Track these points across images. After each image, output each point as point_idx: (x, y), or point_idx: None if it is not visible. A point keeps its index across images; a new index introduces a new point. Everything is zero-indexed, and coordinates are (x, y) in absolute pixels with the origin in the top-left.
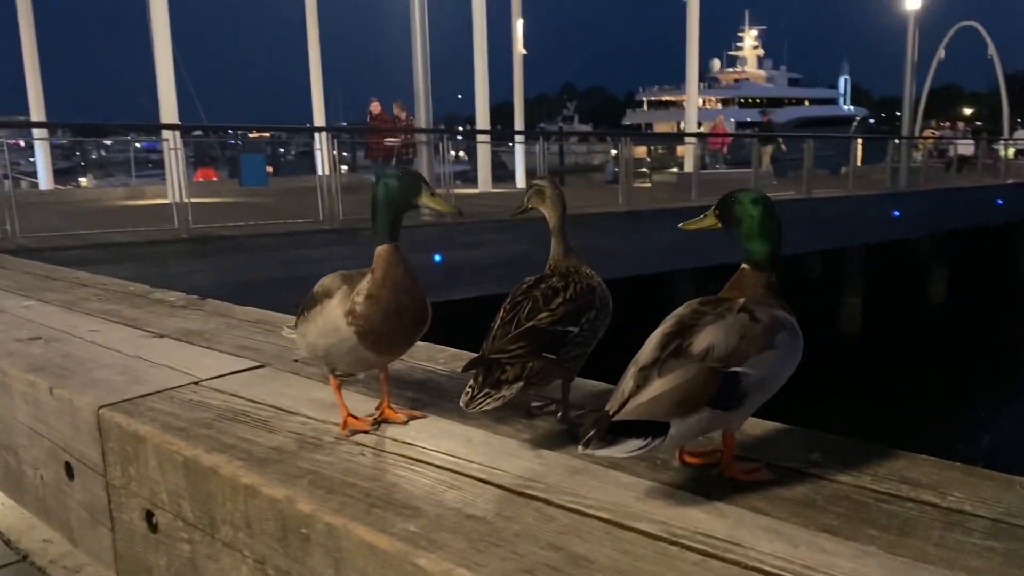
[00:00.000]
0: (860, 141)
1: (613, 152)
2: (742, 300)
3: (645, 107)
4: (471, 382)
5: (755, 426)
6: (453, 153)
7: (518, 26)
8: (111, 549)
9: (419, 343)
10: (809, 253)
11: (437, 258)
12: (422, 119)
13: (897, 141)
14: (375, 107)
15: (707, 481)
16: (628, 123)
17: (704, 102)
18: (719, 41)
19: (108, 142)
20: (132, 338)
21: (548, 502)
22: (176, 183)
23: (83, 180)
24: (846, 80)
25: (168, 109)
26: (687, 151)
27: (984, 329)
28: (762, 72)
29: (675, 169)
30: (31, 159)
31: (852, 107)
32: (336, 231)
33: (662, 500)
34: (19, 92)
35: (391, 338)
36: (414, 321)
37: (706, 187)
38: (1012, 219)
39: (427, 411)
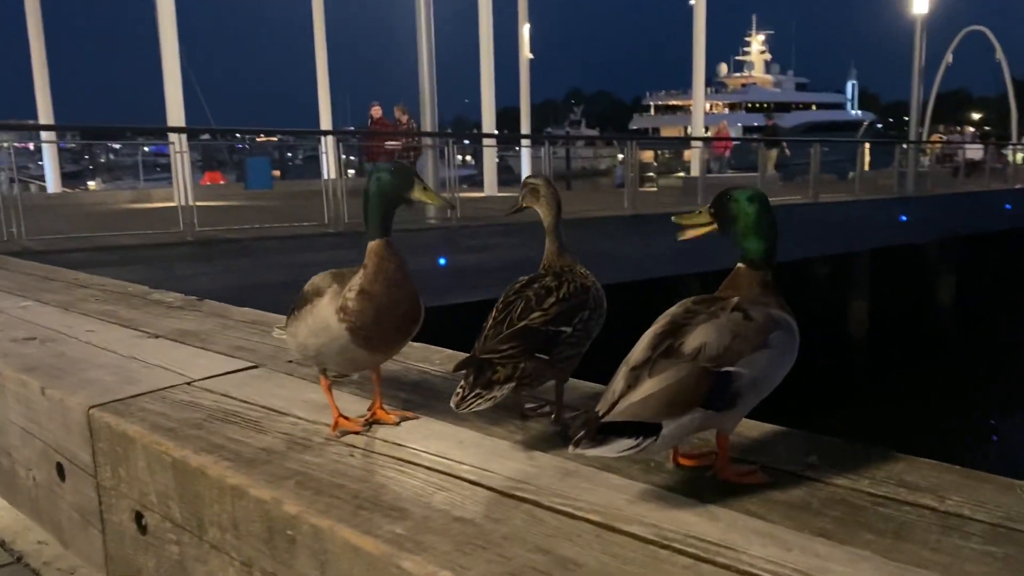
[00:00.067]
0: (868, 146)
1: (620, 157)
2: (736, 299)
3: (652, 111)
4: (462, 382)
5: (752, 428)
6: (460, 157)
7: (525, 31)
8: (102, 551)
9: (415, 344)
10: (816, 258)
11: (442, 261)
12: (428, 123)
13: (904, 146)
14: (376, 111)
15: (701, 484)
16: (635, 127)
17: (711, 107)
18: (726, 46)
19: (116, 146)
20: (127, 338)
21: (538, 504)
22: (182, 186)
23: (91, 183)
24: (854, 85)
25: (175, 112)
26: (693, 155)
27: (991, 334)
28: (769, 77)
29: (682, 173)
30: (40, 162)
31: (859, 112)
32: (341, 234)
33: (654, 502)
34: (27, 96)
35: (384, 335)
36: (407, 318)
37: (712, 191)
38: (1020, 224)
39: (420, 412)
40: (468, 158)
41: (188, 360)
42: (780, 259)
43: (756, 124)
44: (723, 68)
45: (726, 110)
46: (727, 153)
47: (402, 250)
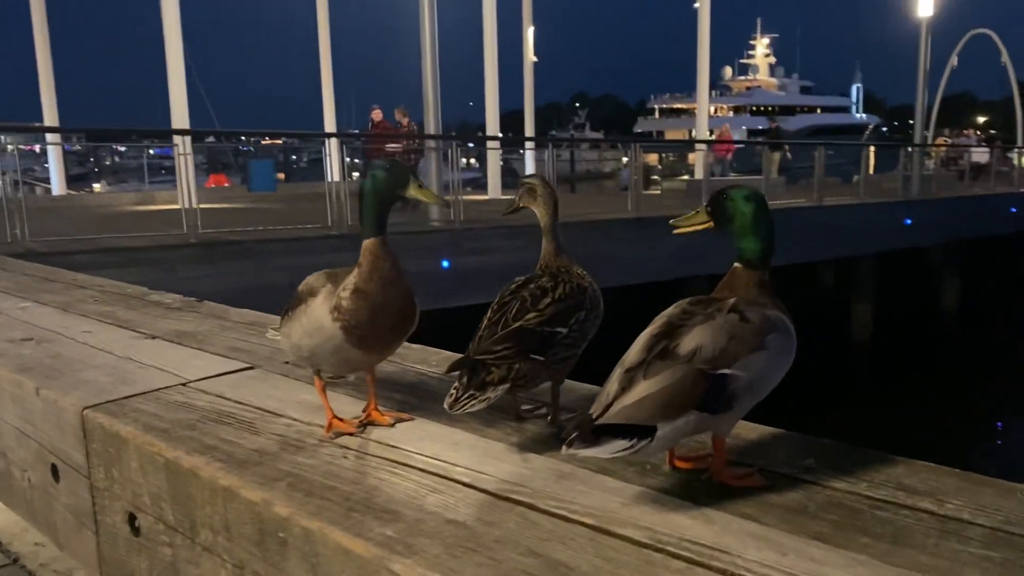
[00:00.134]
0: (872, 149)
1: (624, 160)
2: (733, 300)
3: (657, 115)
4: (456, 383)
5: (750, 430)
6: (464, 160)
7: (529, 34)
8: (96, 553)
9: (413, 345)
10: (820, 261)
11: (445, 264)
12: (431, 126)
13: (909, 149)
14: (376, 114)
15: (696, 486)
16: (640, 131)
17: (716, 110)
18: (731, 49)
19: (122, 148)
20: (124, 339)
21: (532, 507)
22: (186, 188)
23: (96, 186)
24: (858, 88)
25: (179, 115)
26: (698, 159)
27: (997, 337)
28: (774, 80)
29: (686, 176)
30: (46, 165)
31: (864, 115)
32: (345, 236)
33: (649, 506)
34: (33, 98)
35: (378, 335)
36: (402, 317)
37: None
38: None
39: (415, 414)
40: (472, 161)
41: (184, 361)
42: (785, 262)
43: (760, 127)
44: (728, 71)
45: (731, 113)
46: (729, 156)
47: (405, 252)
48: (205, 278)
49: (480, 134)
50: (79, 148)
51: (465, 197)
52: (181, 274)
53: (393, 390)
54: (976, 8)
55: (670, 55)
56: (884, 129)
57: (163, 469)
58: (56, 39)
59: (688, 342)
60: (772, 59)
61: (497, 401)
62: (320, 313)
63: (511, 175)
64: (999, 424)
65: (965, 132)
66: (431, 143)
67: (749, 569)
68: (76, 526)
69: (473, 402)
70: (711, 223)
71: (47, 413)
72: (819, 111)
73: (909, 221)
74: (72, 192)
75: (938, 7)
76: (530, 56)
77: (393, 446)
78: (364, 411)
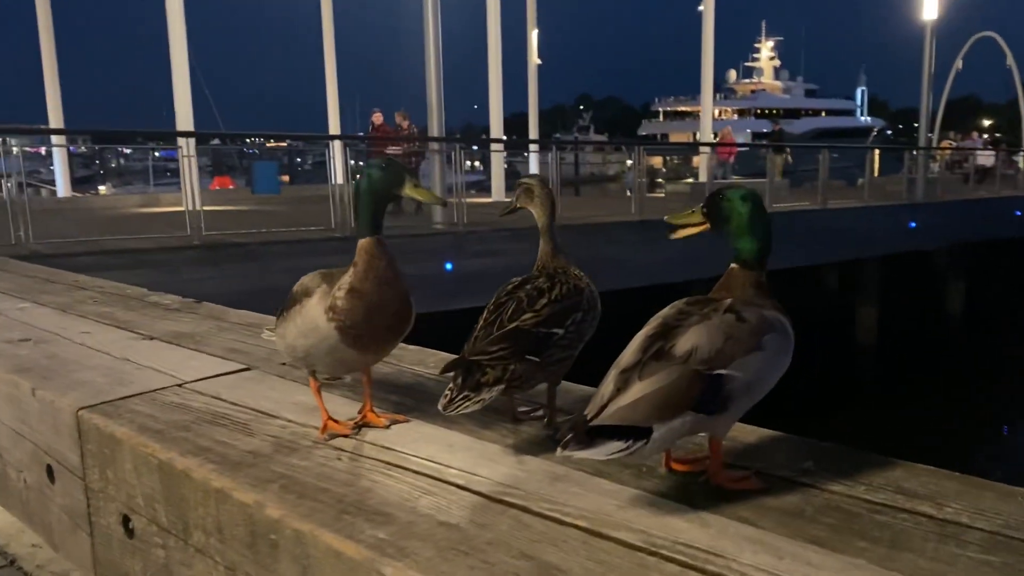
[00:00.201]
0: (877, 152)
1: (629, 163)
2: (729, 300)
3: (661, 117)
4: (450, 384)
5: (748, 433)
6: (468, 163)
7: (533, 36)
8: (90, 555)
9: (410, 347)
10: (824, 264)
11: (448, 266)
12: (435, 128)
13: (914, 152)
14: (377, 118)
15: (693, 489)
16: (644, 133)
17: (720, 113)
18: (736, 52)
19: (127, 151)
20: (122, 340)
21: (526, 509)
22: (190, 190)
23: (102, 188)
24: (863, 91)
25: (184, 117)
26: (702, 161)
27: (1002, 341)
28: (779, 83)
29: (690, 179)
30: (51, 167)
31: (869, 118)
32: (348, 239)
33: (644, 508)
34: (38, 101)
35: (374, 335)
36: (398, 317)
37: None
38: None
39: (411, 415)
40: (476, 164)
41: (181, 362)
42: (789, 265)
43: (765, 131)
44: (732, 74)
45: (735, 116)
46: (731, 159)
47: (409, 255)
48: (208, 280)
49: (484, 137)
50: (84, 150)
51: (469, 200)
52: (184, 276)
53: (389, 391)
54: (981, 11)
55: (675, 58)
56: (889, 132)
57: (157, 470)
58: (61, 41)
59: (684, 343)
60: (777, 62)
61: (493, 403)
62: (315, 313)
63: (515, 178)
64: (1004, 428)
65: (971, 135)
66: (434, 145)
67: (744, 573)
68: (71, 527)
69: (467, 403)
70: (707, 224)
71: (43, 414)
72: (824, 114)
73: (914, 224)
74: (77, 194)
75: (943, 10)
76: (534, 58)
77: (387, 448)
78: (359, 412)
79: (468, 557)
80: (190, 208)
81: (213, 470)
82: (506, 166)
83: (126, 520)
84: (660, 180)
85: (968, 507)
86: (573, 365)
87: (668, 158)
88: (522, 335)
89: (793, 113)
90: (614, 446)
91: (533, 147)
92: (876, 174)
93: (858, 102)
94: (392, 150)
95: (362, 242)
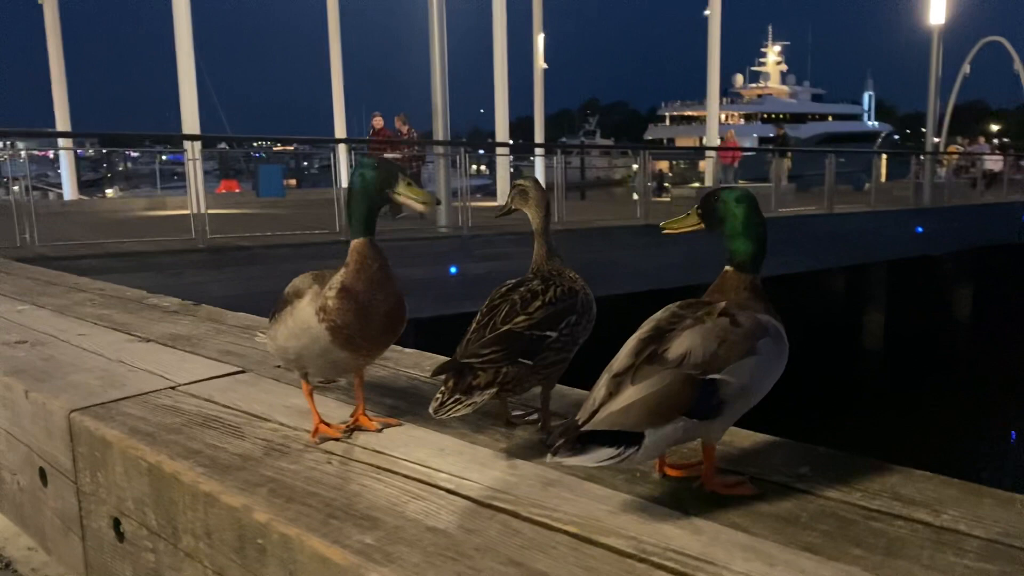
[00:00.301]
0: (884, 157)
1: (635, 167)
2: (723, 304)
3: (667, 122)
4: (442, 387)
5: (744, 438)
6: (474, 167)
7: (539, 40)
8: (82, 558)
9: (407, 350)
10: (831, 269)
11: (453, 270)
12: (440, 132)
13: (921, 157)
14: (377, 121)
15: (686, 495)
16: (650, 138)
17: (727, 117)
18: (742, 57)
19: (135, 154)
20: (118, 342)
21: (515, 515)
22: (195, 193)
23: (109, 191)
24: (870, 96)
25: (190, 120)
26: (707, 166)
27: (1010, 347)
28: (785, 88)
29: (696, 184)
30: (59, 170)
31: (876, 123)
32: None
33: (636, 514)
34: (46, 104)
35: (366, 336)
36: (390, 318)
37: None
38: None
39: (405, 419)
40: (483, 168)
41: (175, 364)
42: (795, 270)
43: (771, 135)
44: (739, 79)
45: (742, 120)
46: (735, 163)
47: (413, 258)
48: (213, 283)
49: (490, 140)
50: (92, 153)
51: (474, 204)
52: (188, 279)
53: (384, 395)
54: (989, 16)
55: (681, 62)
56: (896, 137)
57: (146, 473)
58: (68, 44)
59: (677, 346)
60: (783, 67)
61: (486, 406)
62: (306, 314)
63: None
64: (1012, 435)
65: (979, 140)
66: (439, 149)
67: None
68: (63, 531)
69: (459, 406)
70: (702, 225)
71: (36, 416)
72: (830, 119)
73: (920, 229)
74: (83, 197)
75: (950, 15)
76: (540, 63)
77: (378, 451)
78: (352, 416)
79: (455, 563)
80: (195, 211)
81: (202, 473)
82: (512, 170)
83: (117, 523)
84: (667, 185)
85: (966, 514)
86: (572, 369)
87: (675, 163)
88: (515, 338)
89: (800, 118)
90: (605, 452)
91: (539, 151)
92: (883, 179)
93: (865, 107)
94: (392, 154)
95: (354, 242)
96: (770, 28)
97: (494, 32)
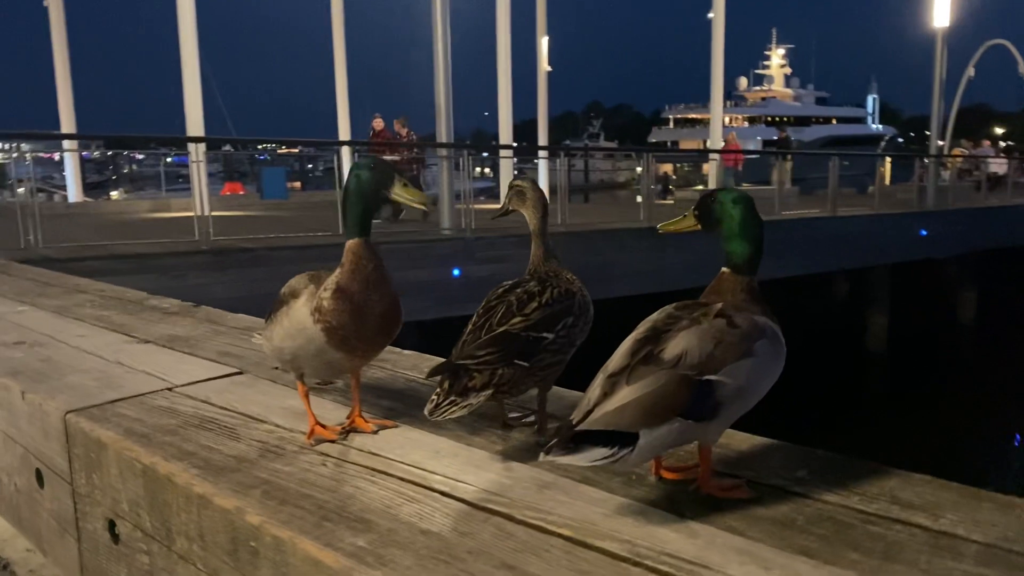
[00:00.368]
0: (888, 160)
1: (638, 170)
2: (720, 305)
3: (671, 125)
4: (437, 389)
5: (741, 441)
6: (478, 170)
7: (543, 43)
8: (78, 560)
9: (406, 351)
10: (834, 272)
11: (456, 272)
12: (443, 134)
13: (925, 160)
14: (378, 123)
15: (682, 498)
16: (654, 140)
17: (731, 120)
18: (746, 59)
19: (140, 156)
20: (116, 343)
21: (510, 518)
22: (199, 195)
23: (114, 193)
24: (874, 99)
25: (195, 122)
26: (711, 169)
27: (1014, 351)
28: (789, 91)
29: (700, 187)
30: (64, 173)
31: (880, 126)
32: None
33: (631, 517)
34: (51, 107)
35: (361, 336)
36: (385, 319)
37: None
38: None
39: (401, 421)
40: (487, 171)
41: (173, 365)
42: (798, 272)
43: (775, 138)
44: (743, 82)
45: (746, 124)
46: (739, 166)
47: (417, 260)
48: (216, 285)
49: (494, 143)
50: (97, 155)
51: (477, 206)
52: (192, 280)
53: (381, 396)
54: (993, 19)
55: (685, 65)
56: (900, 140)
57: (141, 475)
58: (74, 46)
59: (673, 347)
60: (787, 69)
61: (484, 408)
62: (301, 315)
63: None
64: (1016, 438)
65: (983, 143)
66: (443, 152)
67: None
68: (59, 532)
69: (454, 408)
70: (698, 226)
71: (32, 417)
72: (834, 122)
73: (924, 232)
74: (88, 199)
75: (954, 18)
76: (544, 65)
77: (374, 453)
78: (348, 417)
79: (448, 566)
80: (199, 213)
81: (196, 475)
82: (516, 172)
83: (112, 525)
84: (672, 188)
85: (965, 518)
86: (569, 370)
87: (678, 165)
88: (510, 339)
89: (804, 120)
90: (599, 453)
91: (543, 154)
92: (887, 182)
93: (869, 110)
94: (391, 156)
95: (350, 243)
96: (774, 31)
97: (498, 34)
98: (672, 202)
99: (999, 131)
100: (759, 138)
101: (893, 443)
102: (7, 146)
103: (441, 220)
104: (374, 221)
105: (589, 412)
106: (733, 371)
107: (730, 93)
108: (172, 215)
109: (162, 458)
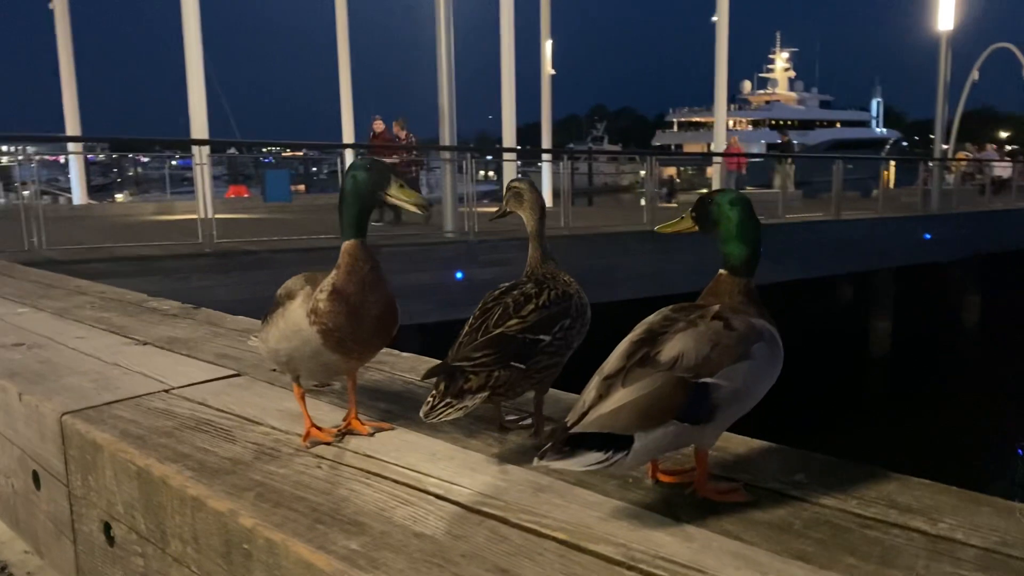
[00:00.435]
0: (892, 163)
1: (642, 173)
2: (716, 307)
3: (675, 128)
4: (433, 391)
5: (739, 444)
6: (481, 173)
7: (547, 46)
8: (74, 562)
9: (403, 353)
10: (838, 276)
11: (459, 275)
12: (446, 137)
13: (930, 163)
14: (378, 125)
15: (678, 501)
16: (658, 144)
17: (735, 123)
18: (750, 63)
19: (145, 159)
20: (115, 345)
21: (504, 521)
22: (203, 198)
23: (119, 196)
24: (878, 102)
25: (199, 125)
26: (714, 172)
27: (1018, 355)
28: (793, 94)
29: (703, 190)
30: (69, 175)
31: (884, 130)
32: None
33: (626, 521)
34: (56, 109)
35: (357, 338)
36: (381, 321)
37: None
38: None
39: (398, 423)
40: (491, 174)
41: (170, 367)
42: (802, 276)
43: (778, 141)
44: (747, 85)
45: (750, 127)
46: (742, 169)
47: (419, 263)
48: (219, 287)
49: (497, 146)
50: (102, 158)
51: (480, 209)
52: (195, 283)
53: (378, 398)
54: (997, 22)
55: (689, 69)
56: (904, 143)
57: (135, 477)
58: (79, 49)
59: (669, 349)
60: (791, 73)
61: (480, 411)
62: (297, 316)
63: None
64: (1020, 451)
65: (988, 146)
66: (446, 155)
67: None
68: (55, 534)
69: (450, 410)
70: (696, 227)
71: (29, 419)
72: (839, 125)
73: (928, 236)
74: (93, 202)
75: (958, 21)
76: (548, 68)
77: (369, 456)
78: (344, 420)
79: (441, 570)
80: (203, 216)
81: (190, 477)
82: (519, 176)
83: (107, 527)
84: (676, 191)
85: (963, 523)
86: (567, 373)
87: (682, 169)
88: (507, 341)
89: (808, 124)
90: (593, 457)
91: (546, 157)
92: (891, 185)
93: (873, 113)
94: (390, 159)
95: (346, 244)
96: (778, 35)
97: (502, 37)
98: (676, 205)
99: (1004, 134)
100: (763, 141)
101: (896, 447)
102: (12, 149)
103: (444, 223)
104: (377, 224)
105: (584, 414)
106: (730, 374)
107: (734, 96)
108: (176, 218)
109: (157, 460)
